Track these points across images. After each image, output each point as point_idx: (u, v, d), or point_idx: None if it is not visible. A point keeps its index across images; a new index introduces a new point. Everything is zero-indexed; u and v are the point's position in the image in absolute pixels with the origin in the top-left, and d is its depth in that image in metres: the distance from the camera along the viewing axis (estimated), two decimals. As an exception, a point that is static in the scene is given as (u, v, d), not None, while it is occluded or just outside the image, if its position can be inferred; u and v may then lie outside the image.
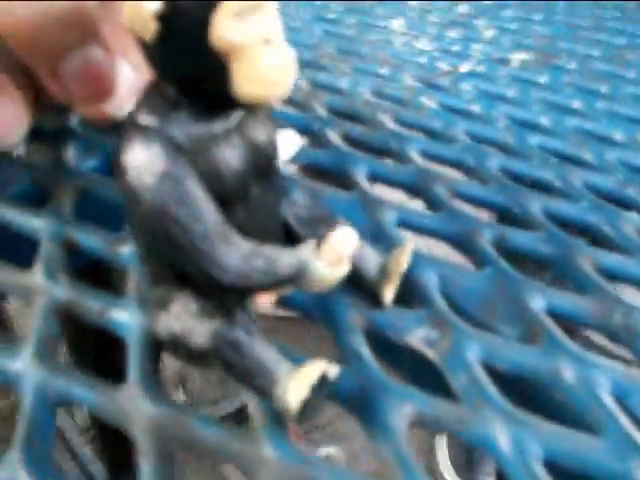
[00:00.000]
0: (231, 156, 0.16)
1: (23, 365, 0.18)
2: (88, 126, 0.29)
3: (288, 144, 0.17)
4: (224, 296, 0.17)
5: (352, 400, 0.17)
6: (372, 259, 0.20)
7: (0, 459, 0.16)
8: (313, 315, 0.20)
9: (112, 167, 0.16)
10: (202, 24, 0.13)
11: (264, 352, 0.16)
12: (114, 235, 0.23)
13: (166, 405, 0.17)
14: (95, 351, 0.51)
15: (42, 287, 0.21)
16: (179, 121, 0.15)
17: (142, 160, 0.14)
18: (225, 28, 0.13)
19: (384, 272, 0.20)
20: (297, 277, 0.15)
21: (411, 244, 0.20)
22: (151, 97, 0.15)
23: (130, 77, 0.20)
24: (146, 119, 0.15)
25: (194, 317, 0.16)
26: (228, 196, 0.16)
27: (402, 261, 0.19)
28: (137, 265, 0.21)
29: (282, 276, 0.15)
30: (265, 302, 0.19)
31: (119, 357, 0.19)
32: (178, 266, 0.16)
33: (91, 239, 0.23)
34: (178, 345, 0.17)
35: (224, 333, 0.16)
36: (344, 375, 0.18)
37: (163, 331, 0.17)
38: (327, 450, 1.16)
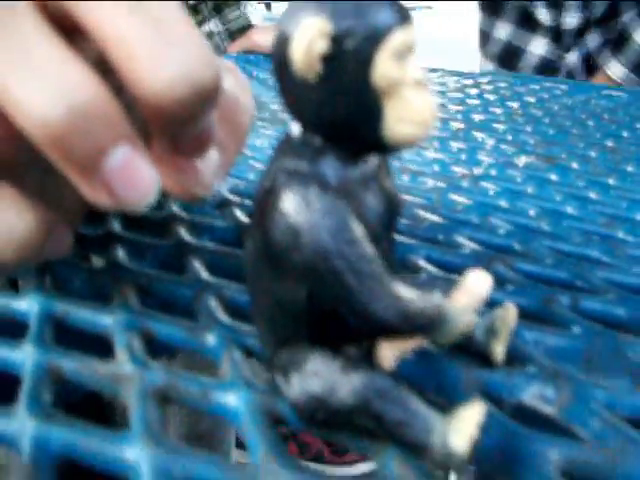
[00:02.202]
0: (374, 201, 0.16)
1: (137, 451, 0.17)
2: (134, 230, 0.29)
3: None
4: (368, 344, 0.17)
5: (494, 457, 0.17)
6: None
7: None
8: (424, 384, 0.19)
9: (255, 212, 0.16)
10: (365, 63, 0.14)
11: (414, 401, 0.16)
12: (192, 324, 0.22)
13: (307, 472, 0.16)
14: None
15: (133, 374, 0.20)
16: (328, 165, 0.15)
17: (303, 200, 0.15)
18: (387, 66, 0.14)
19: (492, 331, 0.19)
20: (439, 322, 0.15)
21: (512, 305, 0.20)
22: (293, 148, 0.16)
23: (215, 158, 0.21)
24: (296, 164, 0.15)
25: (338, 372, 0.16)
26: (368, 243, 0.16)
27: (510, 319, 0.19)
28: (228, 350, 0.21)
29: (431, 319, 0.15)
30: (388, 363, 0.18)
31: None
32: (335, 306, 0.15)
33: (169, 329, 0.22)
34: (317, 407, 0.16)
35: (373, 382, 0.16)
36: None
37: (298, 395, 0.17)
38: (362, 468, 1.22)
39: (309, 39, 0.14)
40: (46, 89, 0.15)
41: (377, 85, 0.14)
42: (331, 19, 0.14)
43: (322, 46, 0.14)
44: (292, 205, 0.15)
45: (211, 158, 0.21)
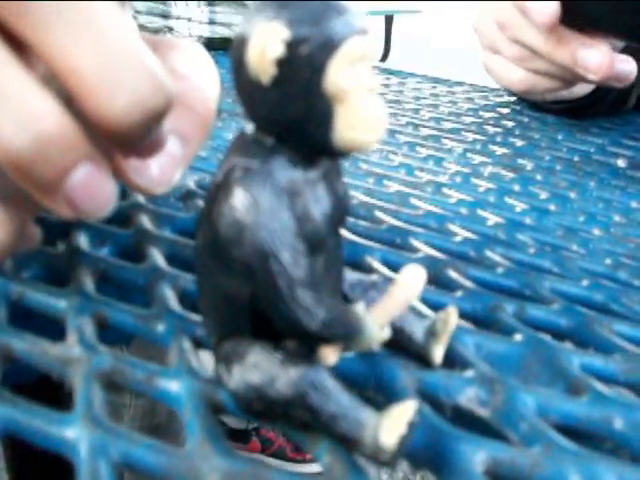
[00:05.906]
0: (322, 202, 0.17)
1: (77, 431, 0.17)
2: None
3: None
4: (304, 343, 0.17)
5: (424, 454, 0.17)
6: (417, 322, 0.20)
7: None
8: (364, 382, 0.20)
9: (204, 212, 0.17)
10: (318, 69, 0.15)
11: (349, 396, 0.16)
12: (144, 311, 0.23)
13: (239, 458, 0.17)
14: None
15: (81, 357, 0.20)
16: (278, 165, 0.16)
17: (252, 198, 0.15)
18: (339, 74, 0.15)
19: (432, 333, 0.20)
20: (355, 334, 0.16)
21: (454, 308, 0.21)
22: (246, 146, 0.16)
23: (176, 153, 0.21)
24: (247, 162, 0.16)
25: (277, 365, 0.16)
26: (313, 243, 0.16)
27: (450, 322, 0.20)
28: (177, 339, 0.21)
29: (348, 331, 0.16)
30: (328, 359, 0.19)
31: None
32: (264, 308, 0.16)
33: (121, 315, 0.23)
34: (255, 397, 0.17)
35: (310, 376, 0.16)
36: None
37: (237, 385, 0.17)
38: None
39: (265, 43, 0.14)
40: (10, 117, 0.16)
41: (328, 91, 0.15)
42: (288, 25, 0.15)
43: (277, 50, 0.14)
44: (241, 201, 0.15)
45: (170, 154, 0.21)
